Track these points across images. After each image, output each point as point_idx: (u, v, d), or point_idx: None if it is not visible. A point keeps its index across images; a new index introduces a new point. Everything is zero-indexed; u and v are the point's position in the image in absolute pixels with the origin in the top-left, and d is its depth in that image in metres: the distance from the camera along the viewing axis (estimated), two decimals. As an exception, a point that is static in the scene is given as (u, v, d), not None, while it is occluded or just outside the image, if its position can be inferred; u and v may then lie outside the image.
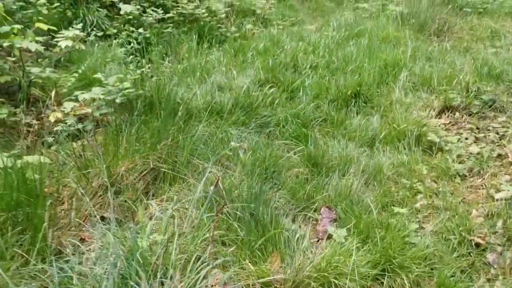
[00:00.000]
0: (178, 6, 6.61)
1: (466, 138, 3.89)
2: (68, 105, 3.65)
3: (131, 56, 5.40)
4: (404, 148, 3.69)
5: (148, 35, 5.74)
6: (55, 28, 4.40)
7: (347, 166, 3.35)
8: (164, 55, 5.70)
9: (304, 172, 3.32)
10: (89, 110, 3.61)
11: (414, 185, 3.23)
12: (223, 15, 6.94)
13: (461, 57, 5.65)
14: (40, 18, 4.57)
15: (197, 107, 3.90)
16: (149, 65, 5.00)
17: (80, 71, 4.18)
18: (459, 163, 3.53)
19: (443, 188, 3.18)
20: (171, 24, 6.43)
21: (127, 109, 3.59)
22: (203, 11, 6.67)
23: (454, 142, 3.76)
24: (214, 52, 5.77)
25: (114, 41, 5.50)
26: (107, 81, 3.75)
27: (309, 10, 10.07)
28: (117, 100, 3.61)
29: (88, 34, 5.49)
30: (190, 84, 4.67)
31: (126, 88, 3.54)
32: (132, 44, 5.53)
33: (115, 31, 5.67)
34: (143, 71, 3.93)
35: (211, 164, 3.07)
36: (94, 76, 4.11)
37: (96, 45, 5.21)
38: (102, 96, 3.54)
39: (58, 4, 5.20)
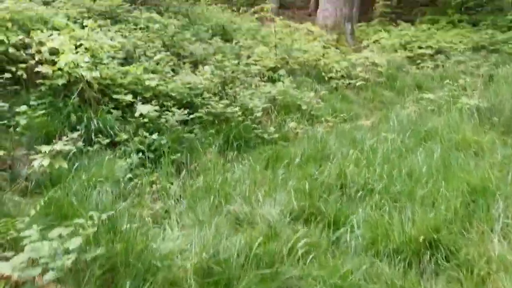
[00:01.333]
0: (208, 104, 5.53)
1: None
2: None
3: (139, 169, 4.26)
4: None
5: (164, 141, 4.62)
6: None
7: None
8: (180, 167, 4.52)
9: None
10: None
11: None
12: (260, 113, 5.75)
13: None
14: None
15: (185, 270, 2.54)
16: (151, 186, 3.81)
17: (42, 202, 2.99)
18: None
19: None
20: (198, 125, 5.33)
21: (76, 279, 2.31)
22: (236, 109, 5.53)
23: None
24: (240, 163, 4.52)
25: (119, 151, 4.40)
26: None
27: (365, 101, 8.78)
28: (67, 263, 2.35)
29: (91, 143, 4.44)
30: (199, 216, 3.38)
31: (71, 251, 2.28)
32: (140, 154, 4.41)
33: (125, 137, 4.59)
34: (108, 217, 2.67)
35: None
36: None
37: (87, 160, 4.07)
38: (43, 260, 2.29)
39: (43, 111, 4.19)
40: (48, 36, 4.91)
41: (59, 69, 4.64)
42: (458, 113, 6.29)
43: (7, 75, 4.62)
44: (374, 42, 13.69)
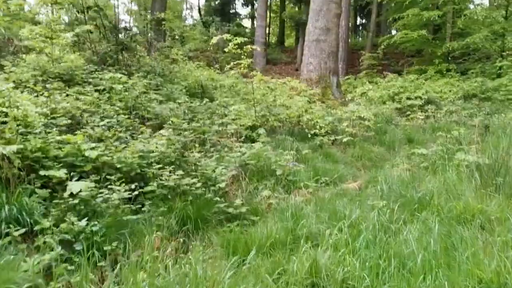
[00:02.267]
0: (161, 175, 4.63)
1: None
2: None
3: (61, 267, 3.28)
4: None
5: (96, 228, 3.67)
6: None
7: None
8: (117, 260, 3.55)
9: None
10: None
11: None
12: (223, 184, 4.84)
13: None
14: None
15: None
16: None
17: None
18: None
19: None
20: (149, 202, 4.40)
21: None
22: (194, 180, 4.62)
23: None
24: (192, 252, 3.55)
25: (40, 242, 3.44)
26: None
27: (353, 158, 7.89)
28: None
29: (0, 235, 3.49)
30: None
31: None
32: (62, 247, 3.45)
33: (48, 224, 3.64)
34: None
35: None
36: None
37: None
38: None
39: None
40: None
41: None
42: (455, 172, 5.41)
43: None
44: (361, 94, 13.06)
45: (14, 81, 6.67)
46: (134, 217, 4.00)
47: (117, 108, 6.69)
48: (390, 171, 6.48)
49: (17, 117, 4.17)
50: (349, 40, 21.67)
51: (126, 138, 5.58)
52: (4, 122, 4.11)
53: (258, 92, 11.37)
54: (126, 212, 4.14)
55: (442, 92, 13.80)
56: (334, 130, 9.05)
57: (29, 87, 6.48)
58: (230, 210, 4.56)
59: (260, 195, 5.21)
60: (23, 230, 3.58)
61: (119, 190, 4.21)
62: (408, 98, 11.82)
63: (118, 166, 4.56)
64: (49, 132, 4.68)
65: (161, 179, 4.57)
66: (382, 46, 17.99)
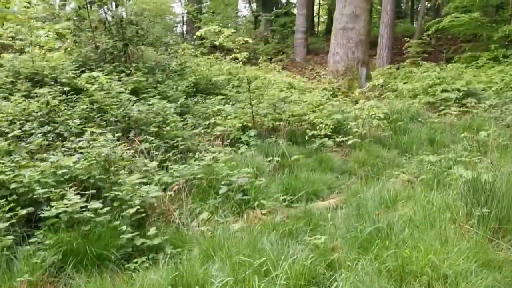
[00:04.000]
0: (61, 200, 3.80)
1: None
2: None
3: None
4: None
5: None
6: None
7: None
8: None
9: None
10: None
11: None
12: (133, 210, 3.91)
13: None
14: None
15: None
16: None
17: None
18: None
19: None
20: (39, 232, 3.61)
21: None
22: (98, 205, 3.76)
23: None
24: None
25: None
26: None
27: (355, 164, 6.65)
28: None
29: None
30: None
31: None
32: None
33: None
34: None
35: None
36: None
37: None
38: None
39: None
40: None
41: None
42: (442, 192, 4.13)
43: None
44: (392, 87, 11.53)
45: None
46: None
47: (81, 110, 5.98)
48: (385, 184, 5.26)
49: None
50: (393, 26, 19.73)
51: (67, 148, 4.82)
52: None
53: (275, 86, 10.33)
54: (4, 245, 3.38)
55: (491, 83, 11.88)
56: (343, 130, 7.83)
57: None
58: (139, 242, 3.66)
59: (198, 220, 4.27)
60: None
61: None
62: (444, 91, 10.16)
63: (12, 186, 3.81)
64: None
65: (65, 203, 3.75)
66: (429, 32, 16.05)
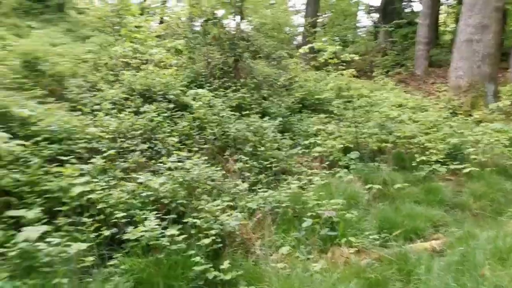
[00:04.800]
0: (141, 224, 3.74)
1: None
2: None
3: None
4: None
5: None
6: None
7: None
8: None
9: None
10: None
11: None
12: (207, 240, 3.69)
13: None
14: None
15: None
16: None
17: None
18: None
19: None
20: (118, 255, 3.60)
21: None
22: (174, 232, 3.62)
23: None
24: None
25: None
26: None
27: (470, 198, 5.71)
28: None
29: None
30: None
31: None
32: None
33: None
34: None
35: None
36: None
37: None
38: None
39: None
40: None
41: None
42: None
43: None
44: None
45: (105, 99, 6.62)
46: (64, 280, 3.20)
47: (182, 128, 6.05)
48: (504, 226, 4.43)
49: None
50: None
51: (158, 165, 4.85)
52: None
53: (386, 103, 9.55)
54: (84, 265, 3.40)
55: None
56: (459, 157, 6.87)
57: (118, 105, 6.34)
58: (212, 275, 3.44)
59: (278, 252, 3.93)
60: None
61: (83, 240, 3.50)
62: None
63: (100, 207, 3.86)
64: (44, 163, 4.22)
65: (145, 228, 3.69)
66: None
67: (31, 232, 3.41)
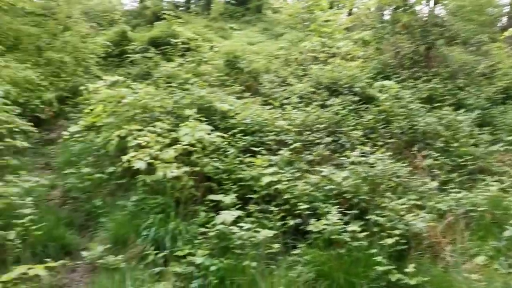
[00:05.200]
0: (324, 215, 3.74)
1: None
2: None
3: None
4: None
5: (213, 268, 3.35)
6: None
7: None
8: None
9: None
10: None
11: None
12: (390, 240, 3.45)
13: None
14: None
15: None
16: None
17: None
18: None
19: None
20: (302, 245, 3.67)
21: None
22: (355, 228, 3.51)
23: None
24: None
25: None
26: None
27: None
28: None
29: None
30: None
31: None
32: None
33: (187, 251, 3.57)
34: None
35: None
36: None
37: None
38: None
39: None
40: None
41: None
42: None
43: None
44: None
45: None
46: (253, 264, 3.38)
47: (367, 121, 5.87)
48: None
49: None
50: None
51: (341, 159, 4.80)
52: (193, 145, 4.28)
53: None
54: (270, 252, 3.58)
55: None
56: None
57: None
58: (395, 278, 3.24)
59: (472, 261, 3.49)
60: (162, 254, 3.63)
61: (271, 228, 3.68)
62: None
63: (286, 197, 4.00)
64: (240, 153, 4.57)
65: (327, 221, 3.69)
66: None
67: (227, 215, 3.74)
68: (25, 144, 4.65)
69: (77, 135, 5.08)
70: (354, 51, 8.48)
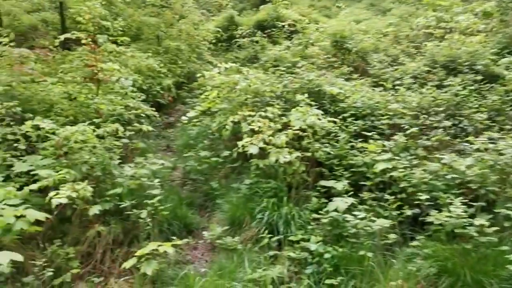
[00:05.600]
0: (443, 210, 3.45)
1: None
2: None
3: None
4: None
5: (327, 255, 3.30)
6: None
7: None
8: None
9: None
10: None
11: None
12: None
13: None
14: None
15: None
16: None
17: None
18: None
19: None
20: (421, 237, 3.44)
21: None
22: (483, 222, 3.18)
23: None
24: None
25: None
26: None
27: None
28: None
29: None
30: None
31: None
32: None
33: (298, 237, 3.55)
34: None
35: None
36: None
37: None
38: None
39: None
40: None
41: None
42: None
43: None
44: None
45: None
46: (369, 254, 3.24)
47: (491, 103, 5.29)
48: None
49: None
50: None
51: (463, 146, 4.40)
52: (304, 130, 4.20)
53: None
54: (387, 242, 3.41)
55: None
56: None
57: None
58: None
59: None
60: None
61: (386, 217, 3.51)
62: None
63: (402, 185, 3.76)
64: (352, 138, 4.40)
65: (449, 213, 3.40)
66: None
67: (340, 203, 3.64)
68: (150, 128, 5.00)
69: (194, 120, 5.31)
70: (474, 25, 7.65)
